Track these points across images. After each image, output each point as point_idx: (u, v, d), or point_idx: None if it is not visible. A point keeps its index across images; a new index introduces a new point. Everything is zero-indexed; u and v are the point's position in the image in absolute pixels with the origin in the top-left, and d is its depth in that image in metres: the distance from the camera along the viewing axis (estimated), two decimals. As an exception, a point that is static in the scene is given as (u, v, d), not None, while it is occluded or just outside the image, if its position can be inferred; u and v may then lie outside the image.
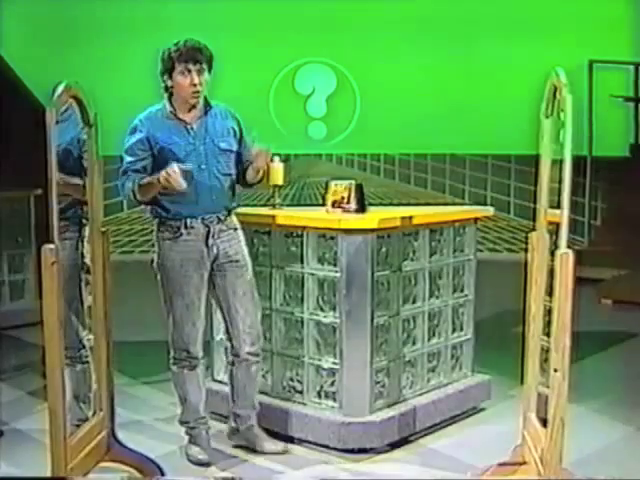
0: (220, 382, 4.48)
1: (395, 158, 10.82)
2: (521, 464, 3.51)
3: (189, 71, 3.81)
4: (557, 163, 3.14)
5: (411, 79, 10.26)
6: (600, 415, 4.58)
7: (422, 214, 4.40)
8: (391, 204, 9.76)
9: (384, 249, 4.13)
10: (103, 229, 3.59)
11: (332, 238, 4.08)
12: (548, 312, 3.40)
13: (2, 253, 6.72)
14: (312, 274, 4.16)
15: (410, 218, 4.21)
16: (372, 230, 4.03)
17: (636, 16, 9.96)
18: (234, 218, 4.00)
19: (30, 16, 9.94)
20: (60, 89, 3.18)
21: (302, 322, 4.21)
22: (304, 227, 4.15)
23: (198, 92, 3.85)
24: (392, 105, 10.14)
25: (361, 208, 4.23)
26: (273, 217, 4.25)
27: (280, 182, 4.31)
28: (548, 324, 3.37)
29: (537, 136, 3.45)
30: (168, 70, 3.85)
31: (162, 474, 3.67)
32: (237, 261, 3.95)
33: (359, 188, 4.25)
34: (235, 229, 3.99)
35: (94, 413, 3.65)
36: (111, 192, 10.09)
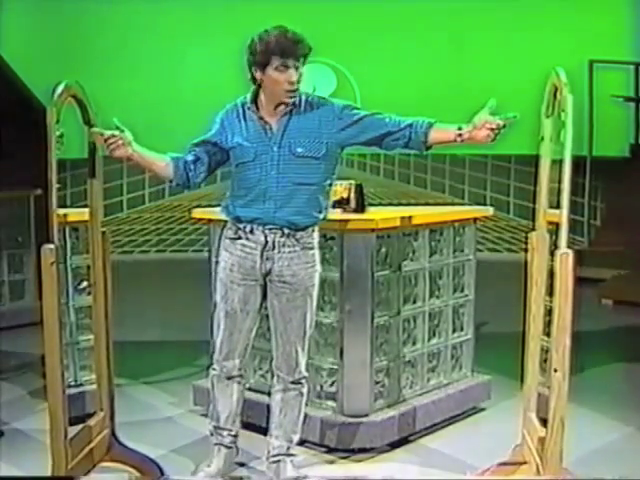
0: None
1: (395, 158, 10.81)
2: (521, 464, 3.50)
3: (287, 67, 3.37)
4: (557, 163, 3.14)
5: (411, 79, 10.25)
6: (600, 415, 4.58)
7: (422, 214, 4.40)
8: (391, 204, 9.75)
9: (384, 249, 4.13)
10: (103, 229, 3.59)
11: (332, 238, 4.07)
12: (548, 312, 3.40)
13: (2, 253, 6.70)
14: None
15: (410, 218, 4.21)
16: (372, 230, 4.03)
17: (636, 16, 9.97)
18: (310, 237, 3.54)
19: (30, 16, 9.95)
20: (60, 89, 3.18)
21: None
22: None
23: (295, 91, 3.44)
24: (392, 105, 10.07)
25: (361, 208, 4.23)
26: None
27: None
28: (548, 324, 3.37)
29: (537, 136, 3.45)
30: (262, 64, 3.39)
31: (162, 474, 3.66)
32: (291, 284, 3.52)
33: (359, 188, 4.24)
34: (306, 249, 3.53)
35: (94, 413, 3.65)
36: (111, 192, 10.23)
